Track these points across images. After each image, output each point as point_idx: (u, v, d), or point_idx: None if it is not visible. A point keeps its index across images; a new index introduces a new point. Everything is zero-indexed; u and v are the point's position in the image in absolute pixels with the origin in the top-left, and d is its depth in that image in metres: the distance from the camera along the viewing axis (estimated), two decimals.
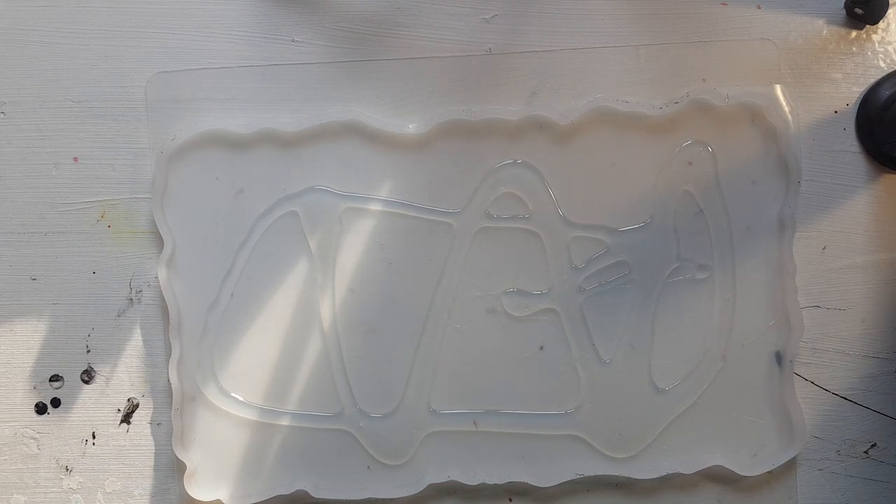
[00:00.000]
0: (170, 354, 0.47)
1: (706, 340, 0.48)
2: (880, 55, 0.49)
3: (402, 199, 0.48)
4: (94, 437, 0.49)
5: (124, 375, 0.49)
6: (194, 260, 0.48)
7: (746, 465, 0.47)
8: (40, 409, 0.49)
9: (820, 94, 0.48)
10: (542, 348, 0.48)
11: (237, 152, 0.48)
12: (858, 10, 0.48)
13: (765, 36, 0.48)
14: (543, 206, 0.48)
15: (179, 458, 0.47)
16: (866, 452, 0.49)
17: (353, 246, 0.48)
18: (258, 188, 0.48)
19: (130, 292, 0.49)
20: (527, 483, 0.48)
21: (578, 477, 0.47)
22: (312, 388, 0.48)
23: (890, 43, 0.49)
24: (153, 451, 0.49)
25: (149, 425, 0.49)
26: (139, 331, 0.49)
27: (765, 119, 0.48)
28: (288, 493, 0.47)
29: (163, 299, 0.48)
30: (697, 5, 0.48)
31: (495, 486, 0.48)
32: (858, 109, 0.48)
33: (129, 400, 0.49)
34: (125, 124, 0.49)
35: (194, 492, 0.47)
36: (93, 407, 0.49)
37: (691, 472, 0.47)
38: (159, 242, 0.48)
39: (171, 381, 0.47)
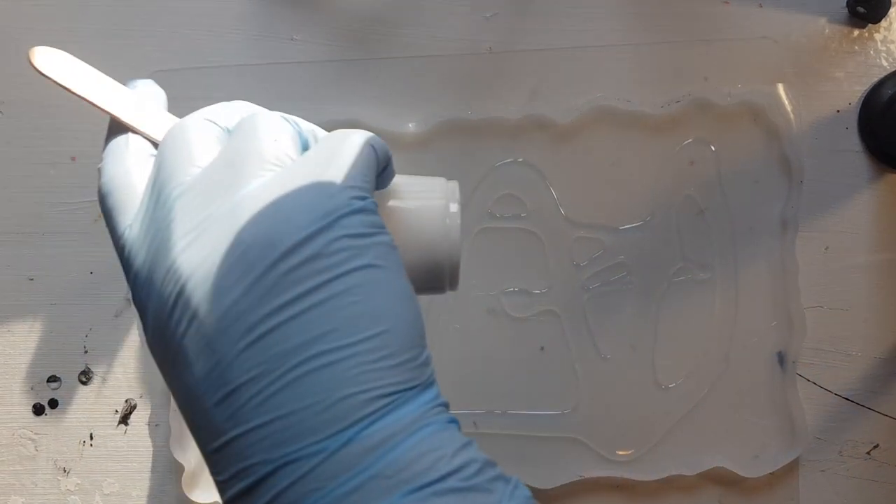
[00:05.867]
0: None
1: (708, 341, 0.47)
2: (882, 54, 0.48)
3: None
4: (91, 438, 0.49)
5: (122, 376, 0.49)
6: None
7: (748, 467, 0.47)
8: (38, 409, 0.49)
9: (822, 92, 0.48)
10: (542, 348, 0.47)
11: None
12: (860, 9, 0.47)
13: (767, 35, 0.48)
14: (544, 205, 0.48)
15: (177, 459, 0.47)
16: (868, 454, 0.48)
17: None
18: None
19: (128, 292, 0.48)
20: (527, 485, 0.47)
21: (579, 478, 0.47)
22: None
23: (892, 42, 0.48)
24: (151, 452, 0.49)
25: (146, 426, 0.49)
26: (137, 331, 0.48)
27: (767, 118, 0.47)
28: None
29: None
30: (699, 4, 0.48)
31: None
32: (861, 108, 0.48)
33: (126, 401, 0.49)
34: None
35: (192, 493, 0.47)
36: (90, 408, 0.49)
37: (693, 473, 0.47)
38: None
39: None
